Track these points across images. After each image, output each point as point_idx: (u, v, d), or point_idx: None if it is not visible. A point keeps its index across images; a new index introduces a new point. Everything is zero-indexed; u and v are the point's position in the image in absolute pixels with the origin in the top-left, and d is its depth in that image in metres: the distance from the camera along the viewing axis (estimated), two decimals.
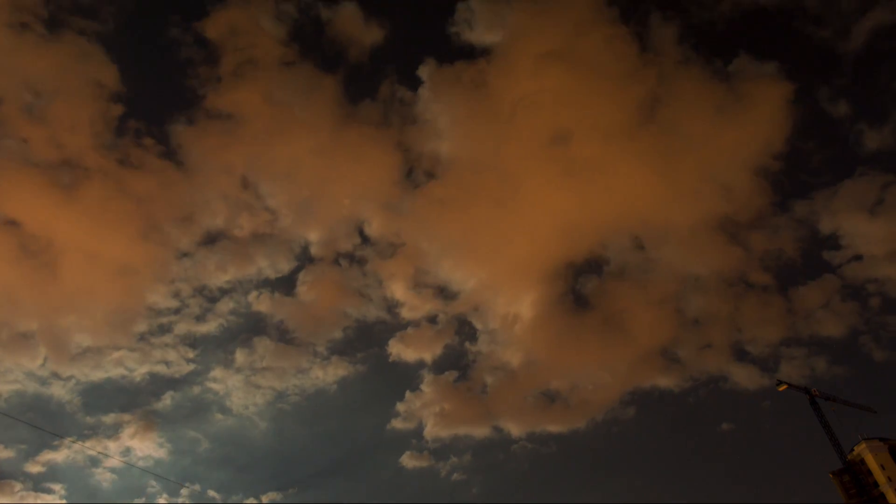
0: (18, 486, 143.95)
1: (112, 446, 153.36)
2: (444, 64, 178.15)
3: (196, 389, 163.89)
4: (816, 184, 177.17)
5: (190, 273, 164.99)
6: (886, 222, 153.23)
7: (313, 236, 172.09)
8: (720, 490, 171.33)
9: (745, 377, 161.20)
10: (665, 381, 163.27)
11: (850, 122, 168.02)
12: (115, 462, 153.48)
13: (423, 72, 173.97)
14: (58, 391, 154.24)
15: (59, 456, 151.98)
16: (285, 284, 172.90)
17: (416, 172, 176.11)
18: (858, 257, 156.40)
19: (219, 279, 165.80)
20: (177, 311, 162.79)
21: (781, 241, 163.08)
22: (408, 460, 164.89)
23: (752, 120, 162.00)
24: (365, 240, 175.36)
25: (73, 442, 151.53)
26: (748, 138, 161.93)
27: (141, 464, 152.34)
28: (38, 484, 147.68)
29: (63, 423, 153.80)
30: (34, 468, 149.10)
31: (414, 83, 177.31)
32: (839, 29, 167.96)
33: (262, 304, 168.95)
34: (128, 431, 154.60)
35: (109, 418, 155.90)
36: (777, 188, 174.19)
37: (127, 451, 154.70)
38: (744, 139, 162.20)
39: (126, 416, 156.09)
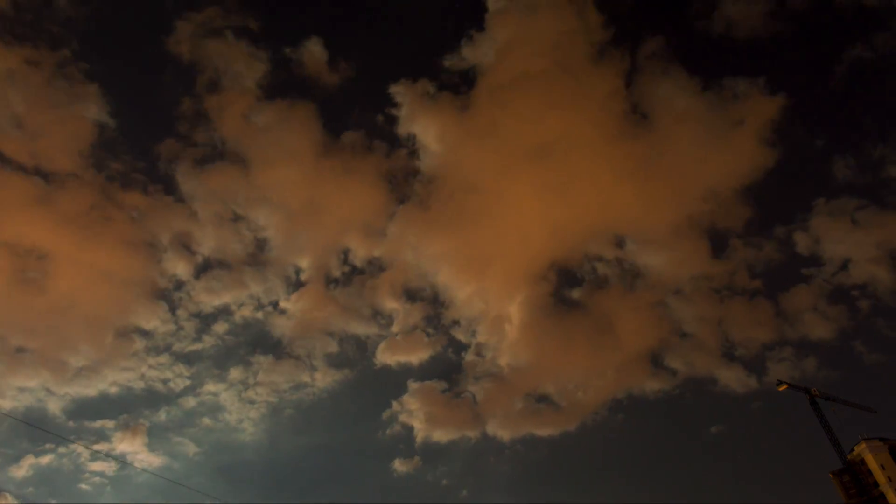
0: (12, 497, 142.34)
1: (108, 457, 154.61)
2: (426, 84, 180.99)
3: (192, 403, 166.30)
4: (796, 202, 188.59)
5: (184, 298, 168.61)
6: (865, 234, 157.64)
7: (304, 260, 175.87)
8: (716, 491, 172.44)
9: (734, 380, 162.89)
10: (654, 385, 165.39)
11: (827, 152, 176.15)
12: (111, 472, 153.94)
13: (405, 94, 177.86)
14: (53, 406, 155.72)
15: (51, 464, 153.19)
16: (279, 304, 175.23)
17: (402, 192, 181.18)
18: (844, 265, 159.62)
19: (212, 302, 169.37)
20: (173, 334, 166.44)
21: (767, 250, 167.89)
22: (399, 466, 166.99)
23: (736, 138, 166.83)
24: (355, 259, 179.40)
25: (66, 442, 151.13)
26: (731, 154, 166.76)
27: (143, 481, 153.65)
28: (25, 490, 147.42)
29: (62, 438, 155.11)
30: (20, 473, 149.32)
31: (396, 106, 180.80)
32: (819, 64, 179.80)
33: (257, 323, 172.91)
34: (125, 442, 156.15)
35: (103, 431, 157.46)
36: (759, 201, 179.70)
37: (123, 465, 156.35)
38: (727, 155, 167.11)
39: (122, 429, 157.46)
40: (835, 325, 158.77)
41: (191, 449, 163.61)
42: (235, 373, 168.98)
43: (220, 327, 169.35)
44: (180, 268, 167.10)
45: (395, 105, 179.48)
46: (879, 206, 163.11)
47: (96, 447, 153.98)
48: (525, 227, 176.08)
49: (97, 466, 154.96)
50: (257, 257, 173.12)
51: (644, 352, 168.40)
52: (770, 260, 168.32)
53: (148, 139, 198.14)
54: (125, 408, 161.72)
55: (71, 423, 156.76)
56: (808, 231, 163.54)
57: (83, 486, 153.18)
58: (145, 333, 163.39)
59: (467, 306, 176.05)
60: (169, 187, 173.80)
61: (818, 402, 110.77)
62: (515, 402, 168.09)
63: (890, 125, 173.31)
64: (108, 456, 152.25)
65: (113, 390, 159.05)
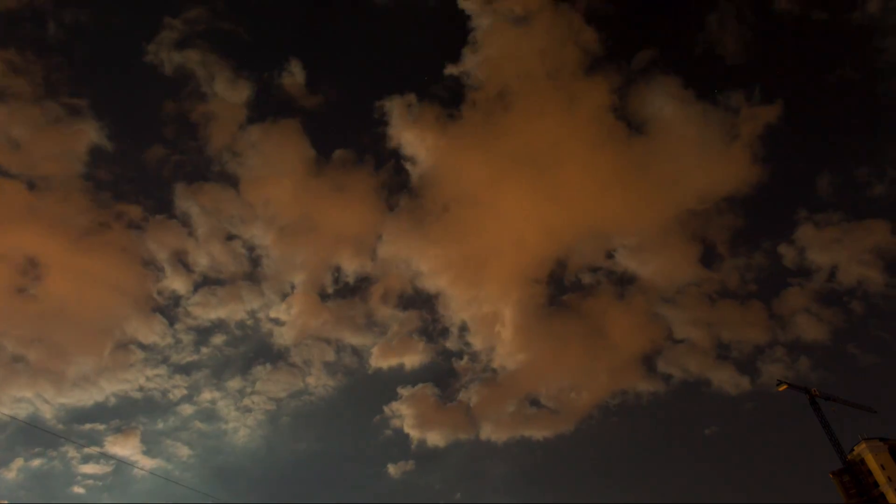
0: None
1: (103, 457, 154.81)
2: (417, 98, 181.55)
3: (189, 411, 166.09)
4: (783, 214, 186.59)
5: (182, 312, 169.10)
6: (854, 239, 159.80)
7: (299, 275, 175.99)
8: (712, 492, 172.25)
9: (727, 381, 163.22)
10: (647, 387, 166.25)
11: (813, 170, 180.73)
12: (107, 478, 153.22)
13: (396, 109, 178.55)
14: (48, 414, 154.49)
15: (42, 468, 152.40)
16: (276, 316, 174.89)
17: (394, 204, 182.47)
18: (833, 272, 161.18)
19: (209, 316, 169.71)
20: (171, 346, 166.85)
21: (757, 258, 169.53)
22: (393, 470, 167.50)
23: (726, 150, 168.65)
24: (349, 271, 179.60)
25: (62, 443, 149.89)
26: (722, 166, 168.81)
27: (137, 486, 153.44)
28: (18, 493, 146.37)
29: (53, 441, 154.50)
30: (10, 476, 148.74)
31: (386, 121, 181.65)
32: (806, 82, 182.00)
33: (254, 334, 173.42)
34: (117, 445, 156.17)
35: (97, 435, 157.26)
36: (749, 212, 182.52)
37: (118, 471, 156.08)
38: (717, 166, 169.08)
39: (114, 433, 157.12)
40: (828, 326, 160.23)
41: (185, 452, 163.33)
42: (233, 382, 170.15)
43: (217, 339, 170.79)
44: (177, 283, 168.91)
45: (385, 121, 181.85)
46: (863, 218, 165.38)
47: (90, 450, 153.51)
48: (518, 235, 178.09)
49: (90, 469, 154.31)
50: (253, 273, 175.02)
51: (637, 355, 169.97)
52: (761, 267, 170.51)
53: (141, 158, 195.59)
54: (121, 415, 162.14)
55: (61, 427, 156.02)
56: (795, 242, 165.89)
57: (76, 488, 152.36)
58: (143, 346, 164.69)
59: (461, 312, 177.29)
60: (164, 205, 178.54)
61: (818, 401, 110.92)
62: (509, 406, 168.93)
63: (874, 144, 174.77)
64: (103, 456, 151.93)
65: (111, 401, 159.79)
